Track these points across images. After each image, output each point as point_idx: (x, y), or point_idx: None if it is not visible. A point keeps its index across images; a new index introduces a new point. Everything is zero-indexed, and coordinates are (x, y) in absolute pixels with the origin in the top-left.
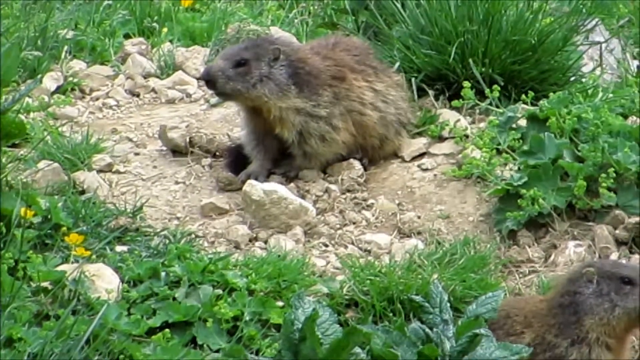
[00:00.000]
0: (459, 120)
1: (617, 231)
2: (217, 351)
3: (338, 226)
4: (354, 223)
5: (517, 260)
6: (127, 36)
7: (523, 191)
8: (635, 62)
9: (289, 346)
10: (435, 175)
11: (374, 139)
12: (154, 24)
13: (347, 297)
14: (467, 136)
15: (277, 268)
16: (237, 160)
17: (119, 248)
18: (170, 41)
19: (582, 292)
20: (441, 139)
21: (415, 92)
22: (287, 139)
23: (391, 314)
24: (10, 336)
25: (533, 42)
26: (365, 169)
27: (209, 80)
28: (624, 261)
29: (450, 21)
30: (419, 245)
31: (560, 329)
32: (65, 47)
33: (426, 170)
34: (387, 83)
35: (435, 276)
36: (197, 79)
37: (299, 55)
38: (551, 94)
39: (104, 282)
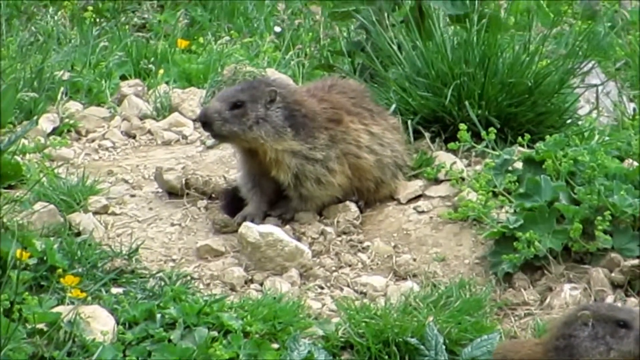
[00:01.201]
0: (455, 162)
1: (613, 274)
2: None
3: (334, 268)
4: (349, 265)
5: (512, 303)
6: (123, 77)
7: (519, 234)
8: (632, 105)
9: None
10: (431, 217)
11: (370, 181)
12: (150, 66)
13: (342, 339)
14: (463, 179)
15: (273, 310)
16: (233, 202)
17: (114, 290)
18: (167, 82)
19: (578, 336)
20: (437, 181)
21: (411, 134)
22: (283, 181)
23: (386, 357)
24: None
25: (529, 84)
26: (361, 212)
27: (205, 122)
28: (619, 304)
29: (447, 63)
30: (415, 287)
31: None
32: (62, 89)
33: (422, 212)
34: (383, 126)
35: (430, 319)
36: (194, 120)
37: (295, 98)
38: (547, 136)
39: (100, 323)
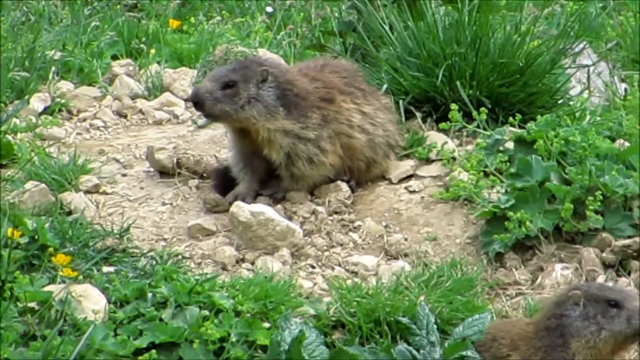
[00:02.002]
0: (446, 142)
1: (604, 254)
2: None
3: (325, 248)
4: (341, 245)
5: (503, 283)
6: (114, 57)
7: (510, 214)
8: (623, 85)
9: None
10: (422, 197)
11: (362, 161)
12: (142, 45)
13: (333, 318)
14: (454, 158)
15: (264, 289)
16: (224, 181)
17: (105, 269)
18: (158, 62)
19: (569, 315)
20: (428, 161)
21: (402, 114)
22: (274, 161)
23: (378, 336)
24: None
25: (521, 64)
26: (352, 191)
27: (197, 102)
28: (610, 284)
29: (438, 44)
30: (406, 267)
31: (546, 351)
32: (53, 68)
33: (413, 192)
34: (375, 106)
35: (422, 298)
36: (185, 100)
37: (287, 77)
38: (539, 116)
39: (91, 302)
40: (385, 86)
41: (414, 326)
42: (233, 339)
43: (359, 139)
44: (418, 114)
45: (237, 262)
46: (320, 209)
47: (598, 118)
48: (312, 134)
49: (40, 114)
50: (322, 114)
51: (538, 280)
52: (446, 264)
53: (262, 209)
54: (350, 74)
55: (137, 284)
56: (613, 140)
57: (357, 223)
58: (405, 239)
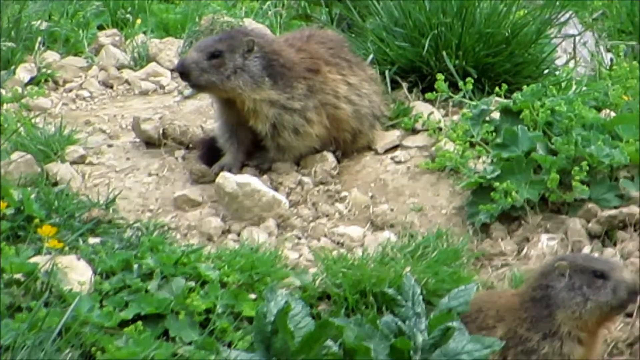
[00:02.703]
0: (432, 112)
1: (589, 224)
2: (190, 343)
3: (311, 219)
4: (327, 216)
5: (489, 254)
6: (100, 27)
7: (496, 184)
8: (609, 55)
9: (261, 339)
10: (408, 167)
11: (348, 132)
12: (128, 16)
13: (319, 289)
14: (440, 129)
15: (250, 260)
16: (210, 152)
17: (91, 240)
18: (144, 33)
19: (555, 286)
20: (414, 131)
21: (388, 84)
22: (260, 131)
23: (364, 307)
24: None
25: (507, 34)
26: (338, 162)
27: (183, 72)
28: (596, 255)
29: (424, 14)
30: (392, 238)
31: (532, 322)
32: (39, 39)
33: (399, 162)
34: (361, 77)
35: (407, 269)
36: (171, 70)
37: (273, 47)
38: (525, 86)
39: (77, 274)
40: (371, 56)
41: (399, 297)
42: (219, 310)
43: (344, 110)
44: (404, 84)
45: (223, 233)
46: (306, 179)
47: (584, 88)
48: (298, 105)
49: (27, 84)
50: (308, 85)
51: (524, 251)
52: (432, 234)
53: (248, 179)
54: (336, 45)
55: (123, 255)
56: (599, 110)
57: (343, 194)
58: (391, 210)
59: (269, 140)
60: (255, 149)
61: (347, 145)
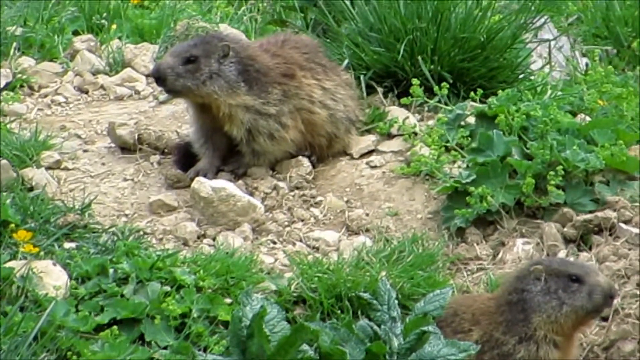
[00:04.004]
0: (407, 117)
1: (565, 229)
2: (165, 348)
3: (286, 223)
4: (302, 220)
5: (465, 258)
6: (76, 33)
7: (471, 189)
8: (584, 60)
9: (236, 343)
10: (383, 172)
11: (323, 137)
12: (103, 21)
13: (295, 294)
14: (415, 133)
15: (225, 265)
16: (185, 157)
17: (67, 245)
18: (119, 38)
19: (530, 290)
20: (390, 136)
21: (364, 89)
22: (235, 137)
23: (339, 311)
24: None
25: (482, 39)
26: (313, 167)
27: (158, 77)
28: (571, 259)
29: (399, 18)
30: (367, 242)
31: (508, 326)
32: (14, 44)
33: (375, 167)
34: (336, 81)
35: (383, 273)
36: (146, 75)
37: (249, 53)
38: (500, 91)
39: (52, 278)
40: (346, 61)
41: (375, 302)
42: (194, 314)
43: (319, 114)
44: (379, 89)
45: (198, 237)
46: (281, 184)
47: (559, 93)
48: (273, 110)
49: (2, 89)
50: (283, 90)
51: (499, 255)
52: (407, 239)
53: (224, 184)
54: (310, 50)
55: (99, 260)
56: (574, 114)
57: (318, 198)
58: (367, 214)
59: (244, 145)
60: (231, 154)
61: (323, 150)
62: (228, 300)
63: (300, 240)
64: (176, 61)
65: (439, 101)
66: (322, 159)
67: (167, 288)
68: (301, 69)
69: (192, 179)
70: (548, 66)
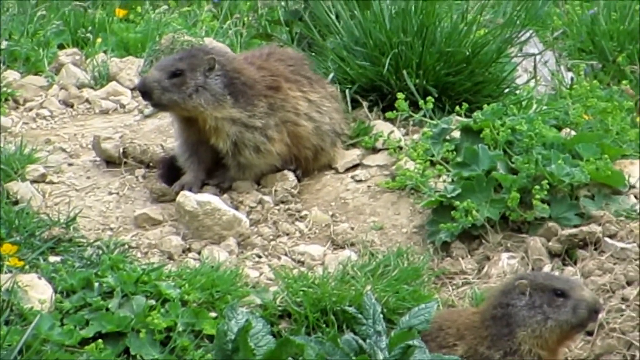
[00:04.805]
0: (392, 131)
1: (550, 243)
2: None
3: (271, 237)
4: (287, 234)
5: (450, 272)
6: (61, 46)
7: (457, 203)
8: (570, 74)
9: (222, 357)
10: (368, 186)
11: (309, 150)
12: (88, 35)
13: (280, 308)
14: (400, 147)
15: (211, 279)
16: (170, 171)
17: (52, 258)
18: (105, 52)
19: (515, 305)
20: (375, 150)
21: (349, 103)
22: (221, 150)
23: (324, 325)
24: None
25: (467, 53)
26: (299, 180)
27: (144, 91)
28: (556, 273)
29: (385, 32)
30: (352, 256)
31: (492, 341)
32: None
33: (360, 181)
34: (321, 94)
35: (368, 287)
36: (132, 89)
37: (234, 66)
38: (485, 105)
39: (37, 292)
40: (331, 75)
41: (360, 316)
42: (180, 328)
43: (305, 127)
44: (364, 103)
45: (183, 251)
46: (266, 198)
47: (544, 107)
48: (259, 123)
49: None
50: (269, 102)
51: (484, 270)
52: (392, 253)
53: (209, 198)
54: (296, 62)
55: (84, 274)
56: (559, 129)
57: (303, 212)
58: (352, 228)
59: (230, 159)
60: (216, 168)
61: (309, 162)
62: (213, 314)
63: (286, 254)
64: (162, 75)
65: (424, 115)
66: (308, 173)
67: (152, 302)
68: (287, 81)
69: (177, 193)
70: (533, 80)
